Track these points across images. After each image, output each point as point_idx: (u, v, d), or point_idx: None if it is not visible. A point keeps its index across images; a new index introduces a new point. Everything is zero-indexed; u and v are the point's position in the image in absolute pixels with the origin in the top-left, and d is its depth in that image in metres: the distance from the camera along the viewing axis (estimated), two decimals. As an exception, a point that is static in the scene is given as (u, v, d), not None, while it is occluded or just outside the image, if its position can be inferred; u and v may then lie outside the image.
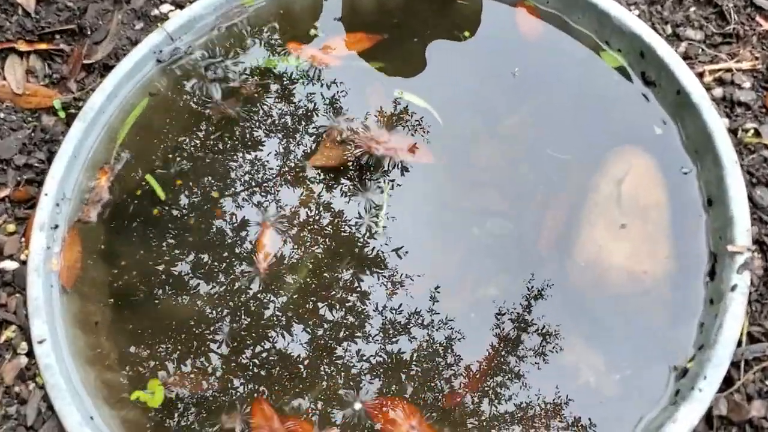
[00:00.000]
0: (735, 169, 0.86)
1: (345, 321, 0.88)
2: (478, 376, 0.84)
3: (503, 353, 0.86)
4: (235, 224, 0.95)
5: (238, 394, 0.84)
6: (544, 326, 0.87)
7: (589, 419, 0.81)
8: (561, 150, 0.98)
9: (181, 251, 0.94)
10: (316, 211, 0.96)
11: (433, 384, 0.84)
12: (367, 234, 0.93)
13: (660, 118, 0.97)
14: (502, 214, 0.96)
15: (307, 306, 0.89)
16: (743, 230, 0.83)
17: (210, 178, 0.99)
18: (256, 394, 0.84)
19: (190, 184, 0.99)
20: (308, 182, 0.98)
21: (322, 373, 0.85)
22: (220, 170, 1.00)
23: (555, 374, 0.85)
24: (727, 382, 0.80)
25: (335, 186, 0.97)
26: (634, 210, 0.91)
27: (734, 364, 0.80)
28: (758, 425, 0.77)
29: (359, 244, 0.93)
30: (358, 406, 0.82)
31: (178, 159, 1.01)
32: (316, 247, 0.93)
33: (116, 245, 0.96)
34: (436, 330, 0.87)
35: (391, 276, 0.91)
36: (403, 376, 0.84)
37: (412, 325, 0.88)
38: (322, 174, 0.98)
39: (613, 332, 0.87)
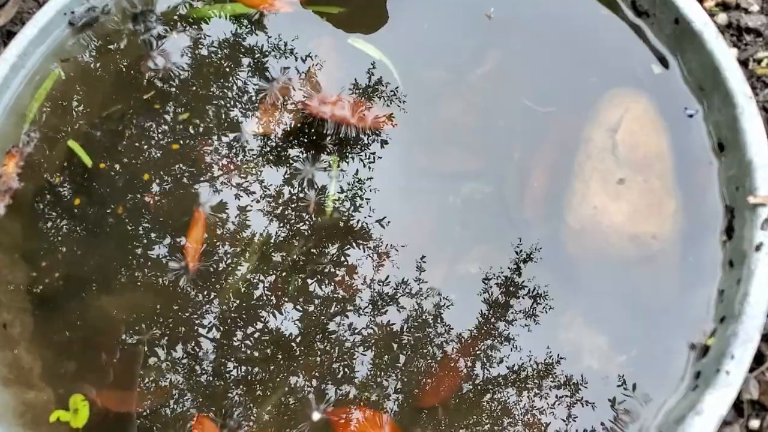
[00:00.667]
0: (750, 105, 0.73)
1: (297, 318, 0.74)
2: (458, 369, 0.71)
3: (487, 338, 0.73)
4: (167, 211, 0.81)
5: (178, 410, 0.71)
6: (534, 303, 0.74)
7: (595, 411, 0.69)
8: (544, 100, 0.84)
9: (109, 246, 0.80)
10: (261, 189, 0.81)
11: (409, 379, 0.71)
12: (318, 212, 0.79)
13: (657, 53, 0.83)
14: (479, 177, 0.83)
15: (252, 302, 0.76)
16: (765, 177, 0.69)
17: (139, 156, 0.84)
18: (199, 410, 0.70)
19: (117, 166, 0.84)
20: (247, 153, 0.83)
21: (275, 382, 0.72)
22: (150, 146, 0.85)
23: (550, 359, 0.72)
24: (757, 359, 0.67)
25: (280, 158, 0.83)
26: (632, 162, 0.78)
27: (764, 338, 0.67)
28: (796, 408, 0.64)
29: (309, 223, 0.79)
30: (317, 416, 0.69)
31: (100, 136, 0.86)
32: (259, 232, 0.79)
33: (34, 242, 0.82)
34: (409, 316, 0.74)
35: (356, 259, 0.77)
36: (366, 373, 0.71)
37: (379, 312, 0.74)
38: (264, 142, 0.84)
39: (616, 306, 0.74)
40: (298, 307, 0.75)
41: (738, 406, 0.65)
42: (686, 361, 0.69)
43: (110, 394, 0.72)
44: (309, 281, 0.76)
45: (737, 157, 0.73)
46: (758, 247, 0.66)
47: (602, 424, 0.67)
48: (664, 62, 0.82)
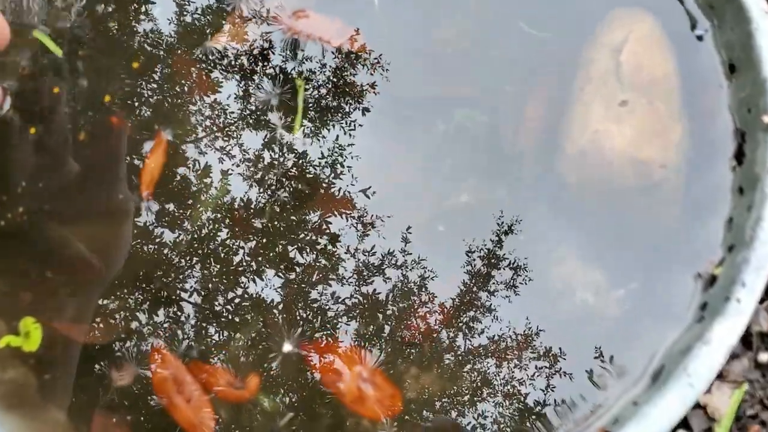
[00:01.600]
0: (765, 20, 0.67)
1: (257, 253, 0.69)
2: (447, 306, 0.66)
3: (479, 274, 0.68)
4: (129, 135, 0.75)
5: (138, 342, 0.66)
6: (528, 238, 0.69)
7: (591, 346, 0.64)
8: (542, 25, 0.78)
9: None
10: (219, 112, 0.75)
11: (392, 314, 0.66)
12: (282, 139, 0.74)
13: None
14: (473, 106, 0.77)
15: (213, 231, 0.70)
16: (781, 96, 0.64)
17: (99, 77, 0.78)
18: (157, 342, 0.65)
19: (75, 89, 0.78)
20: (216, 70, 0.77)
21: (241, 317, 0.66)
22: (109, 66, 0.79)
23: (543, 294, 0.67)
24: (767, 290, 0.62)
25: (248, 77, 0.76)
26: (637, 85, 0.72)
27: (775, 267, 0.63)
28: (809, 342, 0.60)
29: (279, 152, 0.73)
30: (288, 348, 0.63)
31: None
32: (227, 160, 0.73)
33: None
34: (396, 250, 0.69)
35: (336, 190, 0.72)
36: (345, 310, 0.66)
37: (362, 243, 0.69)
38: (232, 59, 0.77)
39: (615, 239, 0.69)
40: (267, 236, 0.70)
41: (746, 339, 0.61)
42: (691, 293, 0.64)
43: (66, 325, 0.66)
44: (283, 210, 0.71)
45: (751, 76, 0.67)
46: (773, 170, 0.61)
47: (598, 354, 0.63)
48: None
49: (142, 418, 0.63)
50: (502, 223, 0.70)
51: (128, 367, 0.64)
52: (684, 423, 0.59)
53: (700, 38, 0.73)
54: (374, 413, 0.62)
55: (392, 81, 0.78)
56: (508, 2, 0.81)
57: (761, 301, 0.62)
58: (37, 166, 0.74)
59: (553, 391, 0.64)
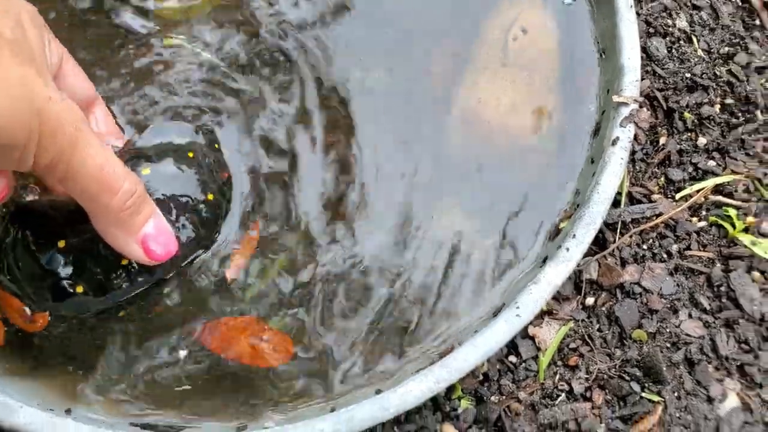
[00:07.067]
0: (629, 13, 0.77)
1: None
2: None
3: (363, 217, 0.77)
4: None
5: None
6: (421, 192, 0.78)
7: (454, 288, 0.74)
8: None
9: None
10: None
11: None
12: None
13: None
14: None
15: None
16: (632, 80, 0.74)
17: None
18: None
19: None
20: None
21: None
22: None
23: (419, 243, 0.76)
24: (602, 245, 0.73)
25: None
26: (521, 60, 0.82)
27: (611, 227, 0.74)
28: (629, 290, 0.71)
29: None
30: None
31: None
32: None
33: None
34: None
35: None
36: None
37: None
38: None
39: (489, 197, 0.79)
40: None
41: (578, 285, 0.72)
42: (542, 245, 0.74)
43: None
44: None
45: (613, 61, 0.77)
46: (614, 142, 0.72)
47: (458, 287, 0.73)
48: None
49: None
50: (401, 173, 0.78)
51: None
52: (515, 350, 0.69)
53: (569, 5, 0.83)
54: (273, 362, 0.71)
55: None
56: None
57: (594, 254, 0.72)
58: None
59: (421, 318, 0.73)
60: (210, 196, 0.69)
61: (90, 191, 0.53)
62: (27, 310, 0.64)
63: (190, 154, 0.70)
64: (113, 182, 0.54)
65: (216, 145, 0.76)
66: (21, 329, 0.68)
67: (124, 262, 0.64)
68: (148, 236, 0.60)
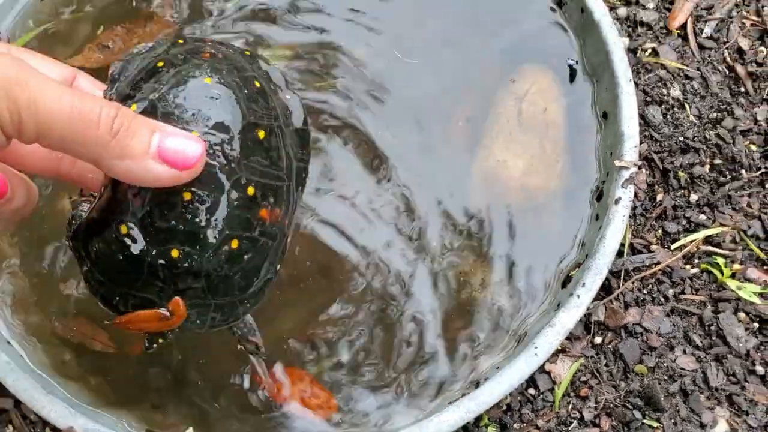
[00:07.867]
0: (629, 86, 0.88)
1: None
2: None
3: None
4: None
5: None
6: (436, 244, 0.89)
7: (477, 328, 0.85)
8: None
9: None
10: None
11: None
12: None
13: (566, 38, 0.98)
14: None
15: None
16: (632, 146, 0.86)
17: None
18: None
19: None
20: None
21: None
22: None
23: (444, 288, 0.87)
24: (608, 291, 0.84)
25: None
26: (532, 127, 0.93)
27: (615, 274, 0.84)
28: (632, 330, 0.82)
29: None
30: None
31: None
32: None
33: None
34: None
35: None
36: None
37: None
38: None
39: (507, 245, 0.90)
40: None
41: (587, 326, 0.82)
42: (555, 291, 0.85)
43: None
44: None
45: (614, 128, 0.89)
46: (617, 201, 0.83)
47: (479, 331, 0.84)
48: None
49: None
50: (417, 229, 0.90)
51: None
52: (534, 384, 0.80)
53: (571, 66, 0.95)
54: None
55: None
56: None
57: (601, 299, 0.83)
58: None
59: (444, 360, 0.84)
60: None
61: (71, 135, 0.49)
62: (162, 310, 0.57)
63: None
64: (88, 113, 0.49)
65: None
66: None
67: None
68: (162, 144, 0.51)
